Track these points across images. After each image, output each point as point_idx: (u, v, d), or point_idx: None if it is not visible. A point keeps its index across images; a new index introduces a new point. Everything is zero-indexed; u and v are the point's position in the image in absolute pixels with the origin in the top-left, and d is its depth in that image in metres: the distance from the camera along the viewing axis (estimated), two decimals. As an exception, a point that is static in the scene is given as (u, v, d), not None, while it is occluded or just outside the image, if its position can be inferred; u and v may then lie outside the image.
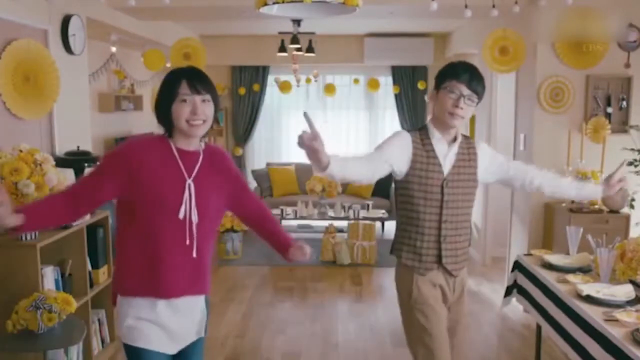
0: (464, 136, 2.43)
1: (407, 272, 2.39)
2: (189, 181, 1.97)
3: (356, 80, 8.39)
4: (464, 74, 2.25)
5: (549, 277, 3.18)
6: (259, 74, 8.50)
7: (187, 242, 1.99)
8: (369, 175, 2.30)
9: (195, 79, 1.94)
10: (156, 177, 1.94)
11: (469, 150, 2.38)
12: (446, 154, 2.33)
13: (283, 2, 1.91)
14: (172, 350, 2.13)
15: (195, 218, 1.99)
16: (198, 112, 1.93)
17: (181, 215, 1.96)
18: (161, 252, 1.98)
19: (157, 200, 1.95)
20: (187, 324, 2.13)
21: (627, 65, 4.57)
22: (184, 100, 1.93)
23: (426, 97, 8.31)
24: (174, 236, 1.98)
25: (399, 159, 2.30)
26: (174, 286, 2.02)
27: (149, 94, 7.52)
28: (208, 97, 1.96)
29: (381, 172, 2.31)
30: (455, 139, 2.36)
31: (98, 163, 2.15)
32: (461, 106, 2.25)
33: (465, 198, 2.37)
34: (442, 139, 2.34)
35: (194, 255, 2.02)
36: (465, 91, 2.25)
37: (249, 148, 8.80)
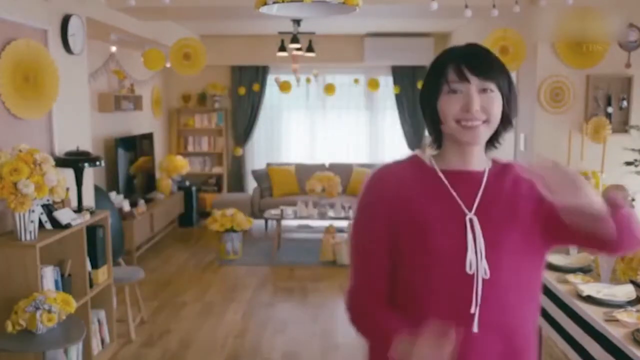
0: None
1: None
2: (471, 215, 1.31)
3: (356, 80, 8.38)
4: None
5: (549, 277, 3.17)
6: (258, 73, 8.49)
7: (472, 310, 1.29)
8: None
9: (470, 60, 1.29)
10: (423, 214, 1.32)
11: None
12: None
13: (283, 1, 1.90)
14: None
15: (484, 272, 1.29)
16: (472, 108, 1.27)
17: (469, 268, 1.28)
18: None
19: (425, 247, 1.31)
20: None
21: (628, 65, 4.57)
22: (453, 91, 1.29)
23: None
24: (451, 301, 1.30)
25: None
26: None
27: (149, 94, 7.52)
28: (491, 85, 1.29)
29: None
30: None
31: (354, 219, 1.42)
32: None
33: None
34: None
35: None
36: None
37: (249, 148, 8.79)
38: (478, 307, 1.28)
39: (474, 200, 1.32)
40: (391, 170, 1.39)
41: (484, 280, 1.27)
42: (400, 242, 1.33)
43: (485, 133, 1.31)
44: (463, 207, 1.31)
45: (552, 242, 1.38)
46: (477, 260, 1.28)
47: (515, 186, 1.34)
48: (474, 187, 1.33)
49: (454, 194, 1.32)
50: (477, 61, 1.29)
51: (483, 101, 1.27)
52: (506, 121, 1.34)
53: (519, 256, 1.32)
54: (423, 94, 1.36)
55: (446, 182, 1.33)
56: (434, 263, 1.30)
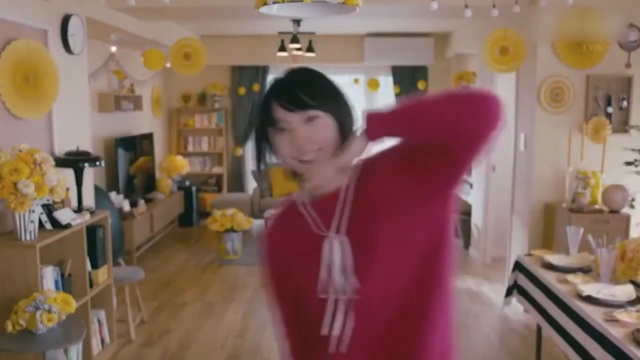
0: None
1: None
2: (329, 234, 1.24)
3: (356, 80, 8.38)
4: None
5: (549, 278, 3.18)
6: (258, 73, 8.49)
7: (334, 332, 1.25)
8: None
9: (286, 94, 1.23)
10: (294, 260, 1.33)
11: None
12: None
13: (283, 1, 1.90)
14: None
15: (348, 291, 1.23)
16: (299, 143, 1.21)
17: (321, 291, 1.24)
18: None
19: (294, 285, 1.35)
20: None
21: (628, 65, 4.56)
22: (282, 129, 1.23)
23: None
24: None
25: None
26: None
27: (149, 94, 7.52)
28: (314, 112, 1.21)
29: None
30: None
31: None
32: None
33: None
34: None
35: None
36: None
37: (249, 148, 8.79)
38: (342, 328, 1.23)
39: (332, 219, 1.24)
40: (269, 225, 1.42)
41: (352, 298, 1.22)
42: (289, 287, 1.36)
43: (324, 160, 1.23)
44: (318, 232, 1.25)
45: (438, 192, 1.23)
46: (332, 280, 1.22)
47: (366, 185, 1.25)
48: (332, 208, 1.25)
49: (310, 222, 1.27)
50: (291, 94, 1.22)
51: (310, 132, 1.21)
52: (345, 136, 1.24)
53: (399, 261, 1.22)
54: (257, 135, 1.31)
55: (305, 213, 1.28)
56: (303, 294, 1.30)
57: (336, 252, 1.21)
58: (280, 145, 1.24)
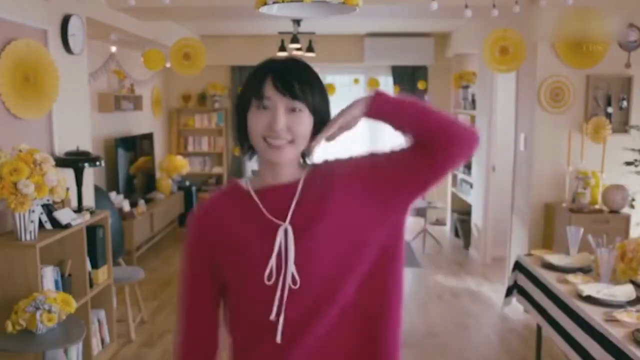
0: None
1: None
2: (285, 225, 1.25)
3: (356, 80, 8.38)
4: None
5: (549, 278, 3.18)
6: (259, 74, 8.49)
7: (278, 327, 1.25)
8: None
9: (281, 78, 1.24)
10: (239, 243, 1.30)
11: None
12: None
13: (283, 1, 1.90)
14: None
15: (291, 282, 1.24)
16: (277, 127, 1.23)
17: (267, 278, 1.24)
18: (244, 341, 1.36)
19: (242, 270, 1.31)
20: None
21: (628, 65, 4.56)
22: (264, 107, 1.24)
23: (426, 98, 8.31)
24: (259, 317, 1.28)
25: None
26: None
27: (149, 94, 7.52)
28: (300, 105, 1.24)
29: None
30: None
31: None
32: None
33: None
34: None
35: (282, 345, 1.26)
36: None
37: (249, 148, 8.79)
38: (282, 317, 1.24)
39: (287, 212, 1.26)
40: (207, 206, 1.37)
41: (293, 289, 1.23)
42: (225, 274, 1.33)
43: (291, 152, 1.26)
44: (274, 220, 1.26)
45: (404, 202, 1.31)
46: (281, 269, 1.23)
47: (326, 183, 1.30)
48: (287, 200, 1.27)
49: (264, 210, 1.27)
50: (287, 80, 1.24)
51: (289, 121, 1.24)
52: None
53: (346, 263, 1.26)
54: (237, 104, 1.31)
55: (257, 200, 1.28)
56: (248, 281, 1.28)
57: (290, 241, 1.24)
58: (256, 121, 1.25)
